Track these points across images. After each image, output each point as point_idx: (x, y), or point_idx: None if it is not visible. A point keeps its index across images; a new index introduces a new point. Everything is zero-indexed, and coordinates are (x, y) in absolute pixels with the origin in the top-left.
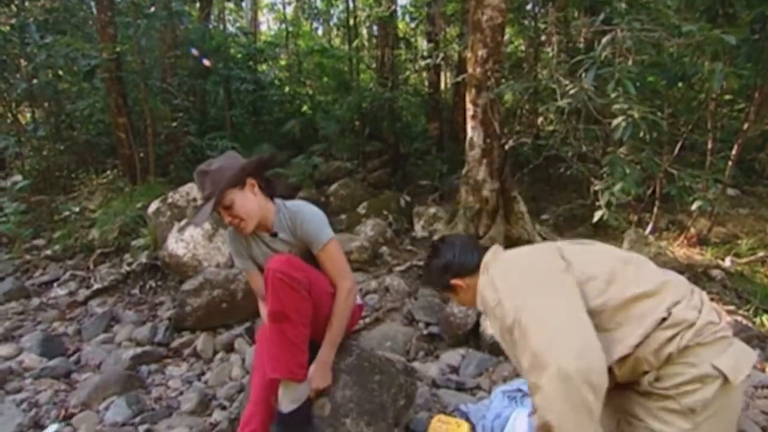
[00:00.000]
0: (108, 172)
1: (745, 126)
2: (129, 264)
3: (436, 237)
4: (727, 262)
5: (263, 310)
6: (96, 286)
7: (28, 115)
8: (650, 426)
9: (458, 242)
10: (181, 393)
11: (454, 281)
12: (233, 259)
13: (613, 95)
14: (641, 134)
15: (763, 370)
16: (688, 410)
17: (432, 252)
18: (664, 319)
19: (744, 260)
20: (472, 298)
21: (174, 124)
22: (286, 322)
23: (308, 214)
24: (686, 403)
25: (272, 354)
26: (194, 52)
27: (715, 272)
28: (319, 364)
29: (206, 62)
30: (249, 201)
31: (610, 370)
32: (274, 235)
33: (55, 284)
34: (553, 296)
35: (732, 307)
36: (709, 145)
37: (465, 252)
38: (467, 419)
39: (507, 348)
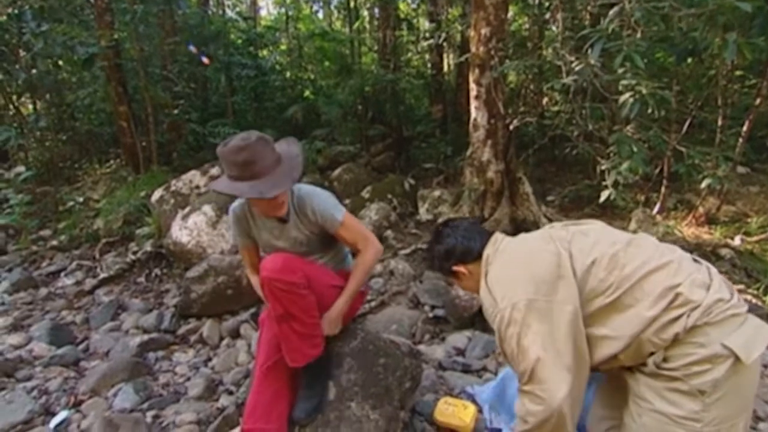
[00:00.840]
0: (111, 161)
1: (758, 101)
2: (134, 253)
3: (440, 220)
4: (736, 241)
5: (253, 278)
6: (102, 275)
7: (30, 106)
8: (657, 407)
9: (461, 227)
10: (188, 379)
11: (456, 267)
12: (234, 237)
13: (620, 71)
14: (649, 111)
15: None
16: (697, 392)
17: (435, 236)
18: (670, 301)
19: (754, 239)
20: (474, 285)
21: (175, 111)
22: (292, 320)
23: (317, 197)
24: (695, 384)
25: (288, 348)
26: (192, 48)
27: (724, 251)
28: (333, 312)
29: (205, 60)
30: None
31: (614, 356)
32: (284, 221)
33: (62, 274)
34: (550, 324)
35: (741, 286)
36: (719, 122)
37: (468, 237)
38: (473, 401)
39: (501, 346)
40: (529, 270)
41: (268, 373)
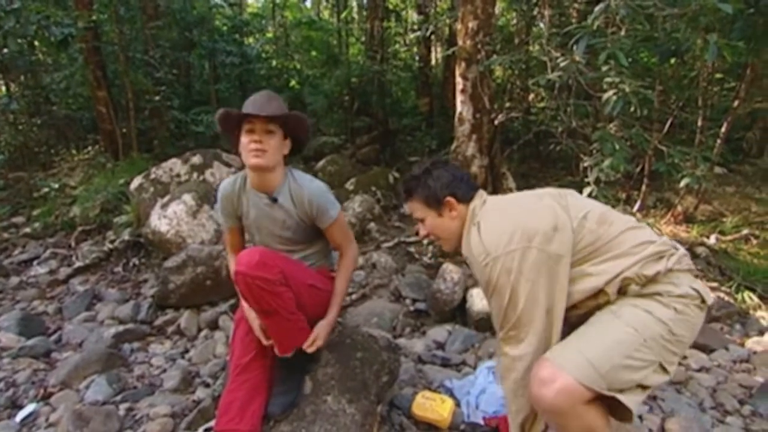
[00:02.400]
0: (89, 147)
1: (735, 104)
2: (111, 241)
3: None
4: (712, 240)
5: (232, 263)
6: (77, 264)
7: (3, 88)
8: (636, 304)
9: (458, 170)
10: (164, 371)
11: (449, 198)
12: (220, 217)
13: (604, 68)
14: (632, 110)
15: (742, 345)
16: (673, 307)
17: (435, 164)
18: (651, 249)
19: (728, 238)
20: (451, 227)
21: (157, 98)
22: (274, 315)
23: (317, 190)
24: (671, 300)
25: (275, 339)
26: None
27: (700, 249)
28: (327, 321)
29: None
30: (279, 149)
31: (600, 290)
32: (274, 200)
33: (35, 262)
34: (544, 273)
35: (715, 284)
36: (699, 123)
37: (463, 180)
38: (452, 395)
39: (490, 295)
40: (524, 221)
41: (243, 371)
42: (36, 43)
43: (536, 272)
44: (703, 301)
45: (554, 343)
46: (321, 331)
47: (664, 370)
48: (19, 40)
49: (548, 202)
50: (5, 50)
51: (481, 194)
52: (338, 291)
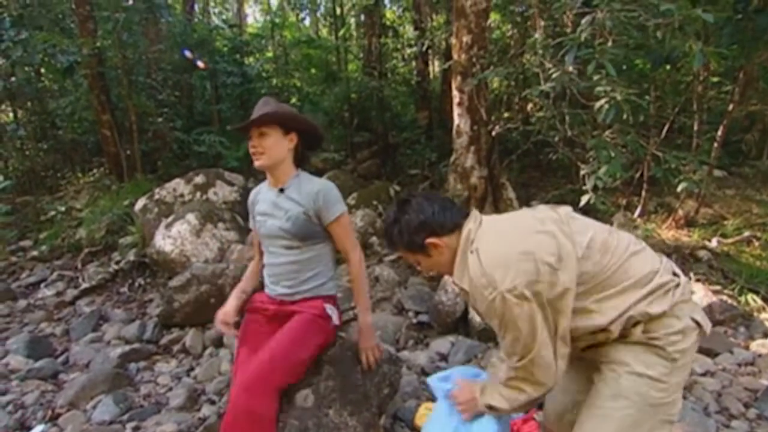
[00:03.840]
0: (94, 170)
1: (730, 107)
2: (117, 262)
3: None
4: (713, 243)
5: (252, 264)
6: (84, 286)
7: (11, 114)
8: (636, 369)
9: (434, 198)
10: (170, 389)
11: (430, 240)
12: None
13: (595, 78)
14: (626, 117)
15: (747, 348)
16: (671, 358)
17: (402, 207)
18: (656, 282)
19: (730, 240)
20: (447, 261)
21: (160, 120)
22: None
23: (328, 185)
24: (672, 350)
25: None
26: (188, 54)
27: (701, 253)
28: (362, 327)
29: (201, 64)
30: (280, 146)
31: (604, 329)
32: (282, 190)
33: (42, 285)
34: (550, 306)
35: (718, 287)
36: (696, 127)
37: (445, 207)
38: None
39: (497, 329)
40: (528, 250)
41: (246, 389)
42: (42, 70)
43: (545, 303)
44: (701, 329)
45: (561, 373)
46: (361, 338)
47: (669, 422)
48: (27, 69)
49: (551, 227)
50: (13, 78)
51: (475, 216)
52: (361, 296)
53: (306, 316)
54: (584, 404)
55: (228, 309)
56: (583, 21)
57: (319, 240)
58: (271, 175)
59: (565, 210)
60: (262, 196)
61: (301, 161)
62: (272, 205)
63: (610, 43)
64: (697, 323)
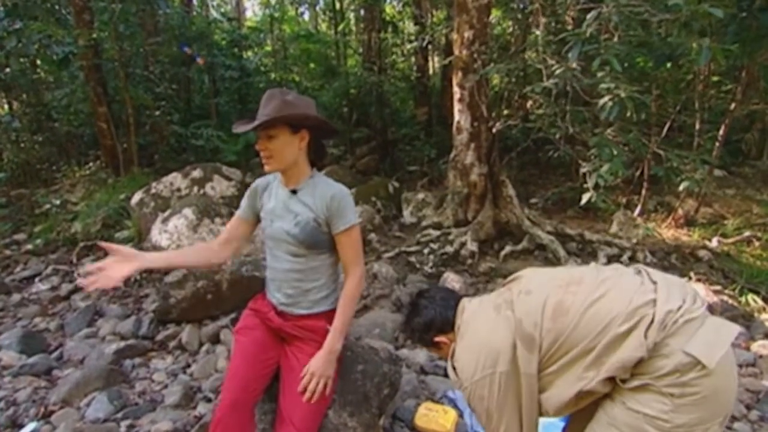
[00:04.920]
0: (90, 163)
1: (732, 106)
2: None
3: (424, 222)
4: (713, 243)
5: (209, 242)
6: (79, 280)
7: (6, 106)
8: (629, 405)
9: (438, 297)
10: (166, 386)
11: (438, 339)
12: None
13: (599, 74)
14: (628, 114)
15: (748, 349)
16: (667, 393)
17: (412, 309)
18: (619, 333)
19: (730, 240)
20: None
21: (157, 113)
22: None
23: (344, 192)
24: (663, 386)
25: None
26: (186, 50)
27: (702, 253)
28: (325, 350)
29: (200, 60)
30: (290, 147)
31: (586, 392)
32: (294, 192)
33: (36, 279)
34: (512, 392)
35: (718, 287)
36: (697, 126)
37: (446, 307)
38: (455, 406)
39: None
40: (486, 344)
41: (243, 389)
42: (38, 61)
43: (505, 393)
44: (703, 366)
45: None
46: (317, 363)
47: None
48: (21, 60)
49: (504, 313)
50: (8, 69)
51: (462, 309)
52: (339, 317)
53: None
54: (587, 428)
55: (120, 272)
56: (589, 15)
57: (326, 249)
58: (283, 175)
59: (522, 284)
60: (273, 192)
61: (317, 157)
62: (282, 205)
63: (616, 39)
64: (694, 357)
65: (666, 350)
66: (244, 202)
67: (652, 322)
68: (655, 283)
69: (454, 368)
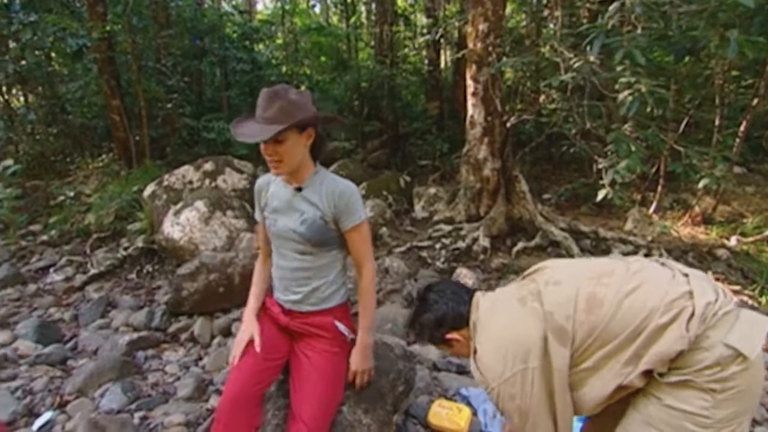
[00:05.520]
0: (104, 155)
1: (755, 102)
2: (125, 248)
3: (436, 217)
4: (732, 242)
5: (259, 265)
6: (92, 271)
7: (21, 99)
8: (667, 402)
9: (449, 291)
10: (178, 378)
11: (450, 336)
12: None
13: (619, 68)
14: (648, 110)
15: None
16: (708, 389)
17: (421, 304)
18: (660, 324)
19: (750, 239)
20: (467, 349)
21: (169, 105)
22: None
23: (352, 188)
24: (704, 382)
25: None
26: (198, 42)
27: (720, 252)
28: (359, 347)
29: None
30: (298, 148)
31: (621, 387)
32: (299, 189)
33: (51, 270)
34: (545, 388)
35: (737, 287)
36: (717, 122)
37: (457, 302)
38: (468, 403)
39: (505, 417)
40: (514, 340)
41: (247, 383)
42: (52, 54)
43: (539, 390)
44: (744, 358)
45: None
46: (355, 358)
47: None
48: (37, 52)
49: (531, 305)
50: (23, 62)
51: (476, 304)
52: (364, 318)
53: (323, 358)
54: (617, 428)
55: (253, 328)
56: (612, 7)
57: (334, 246)
58: (289, 174)
59: (547, 274)
60: (275, 190)
61: (318, 151)
62: (286, 203)
63: (639, 31)
64: (735, 350)
65: (706, 343)
66: (256, 208)
67: (692, 314)
68: (686, 275)
69: (477, 367)
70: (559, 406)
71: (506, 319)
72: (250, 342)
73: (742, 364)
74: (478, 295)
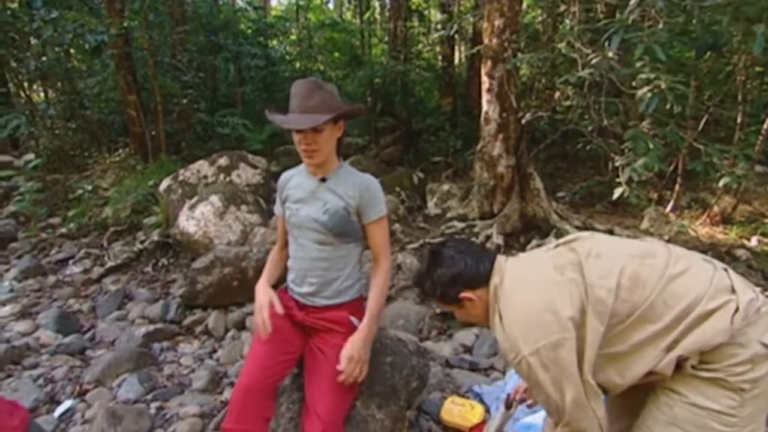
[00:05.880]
0: (120, 150)
1: None
2: (141, 242)
3: (449, 214)
4: (753, 242)
5: (274, 252)
6: (109, 264)
7: (42, 94)
8: (693, 401)
9: (467, 248)
10: (193, 370)
11: (464, 294)
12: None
13: (638, 64)
14: (667, 106)
15: None
16: (738, 389)
17: (434, 259)
18: (706, 310)
19: None
20: (482, 314)
21: (184, 101)
22: None
23: (375, 182)
24: (736, 381)
25: None
26: (213, 38)
27: (739, 252)
28: (361, 333)
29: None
30: (332, 139)
31: (652, 372)
32: (323, 180)
33: (70, 262)
34: (578, 360)
35: (758, 289)
36: (739, 119)
37: (477, 259)
38: (481, 401)
39: (532, 390)
40: (550, 308)
41: (260, 375)
42: (72, 50)
43: (571, 362)
44: None
45: (605, 422)
46: (353, 351)
47: None
48: (57, 49)
49: (570, 275)
50: (44, 58)
51: (499, 267)
52: (373, 304)
53: (337, 352)
54: (637, 424)
55: (268, 302)
56: (632, 2)
57: (353, 239)
58: (317, 166)
59: (587, 245)
60: (298, 181)
61: (340, 145)
62: (310, 193)
63: (660, 26)
64: None
65: (743, 339)
66: (277, 201)
67: (737, 308)
68: (726, 270)
69: (505, 334)
70: (588, 384)
71: (542, 287)
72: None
73: None
74: (501, 258)
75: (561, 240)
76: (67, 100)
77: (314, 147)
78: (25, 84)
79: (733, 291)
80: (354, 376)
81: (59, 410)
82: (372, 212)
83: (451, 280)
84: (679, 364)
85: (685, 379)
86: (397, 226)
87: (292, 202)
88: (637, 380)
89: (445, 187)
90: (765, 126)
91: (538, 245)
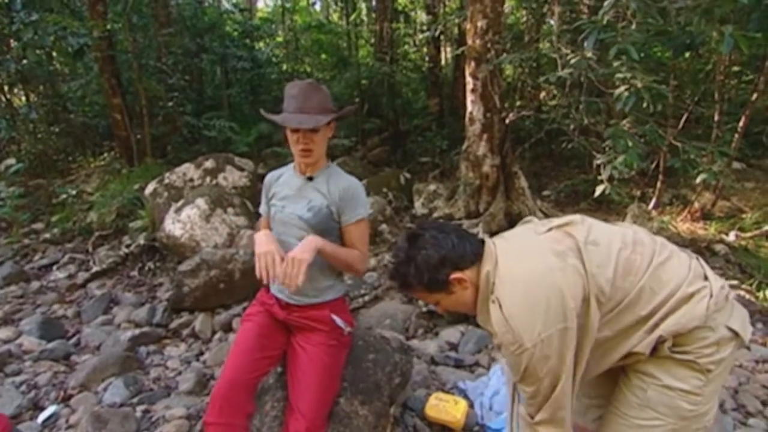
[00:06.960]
0: (105, 154)
1: (754, 97)
2: (127, 246)
3: (436, 214)
4: (731, 237)
5: (260, 224)
6: (95, 269)
7: (23, 98)
8: (665, 382)
9: (448, 228)
10: (180, 373)
11: (455, 275)
12: (260, 206)
13: (615, 64)
14: (645, 105)
15: (764, 345)
16: (705, 369)
17: (414, 244)
18: (685, 296)
19: (748, 234)
20: (470, 298)
21: (170, 104)
22: None
23: (358, 184)
24: (705, 362)
25: None
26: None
27: (718, 247)
28: (306, 240)
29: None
30: (325, 139)
31: (631, 353)
32: (310, 179)
33: (54, 267)
34: (576, 349)
35: (735, 282)
36: (716, 117)
37: (461, 238)
38: (465, 396)
39: (526, 379)
40: (553, 295)
41: (243, 369)
42: (54, 53)
43: (569, 352)
44: (739, 337)
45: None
46: (294, 252)
47: (705, 429)
48: (38, 51)
49: (571, 262)
50: (24, 61)
51: (489, 251)
52: (334, 246)
53: (320, 350)
54: (609, 408)
55: (274, 249)
56: (606, 2)
57: (335, 238)
58: (308, 165)
59: (583, 230)
60: (284, 180)
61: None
62: (296, 191)
63: (633, 27)
64: (735, 332)
65: (713, 323)
66: (262, 201)
67: (711, 294)
68: (698, 259)
69: (508, 325)
70: (579, 371)
71: (543, 273)
72: (246, 329)
73: (733, 347)
74: (489, 241)
75: (553, 223)
76: (49, 104)
77: (311, 146)
78: (5, 87)
79: (706, 278)
80: (288, 274)
81: (43, 416)
82: (351, 215)
83: (440, 260)
84: (656, 347)
85: (659, 361)
86: (384, 226)
87: (278, 200)
88: (614, 363)
89: (432, 187)
90: (741, 124)
91: None
